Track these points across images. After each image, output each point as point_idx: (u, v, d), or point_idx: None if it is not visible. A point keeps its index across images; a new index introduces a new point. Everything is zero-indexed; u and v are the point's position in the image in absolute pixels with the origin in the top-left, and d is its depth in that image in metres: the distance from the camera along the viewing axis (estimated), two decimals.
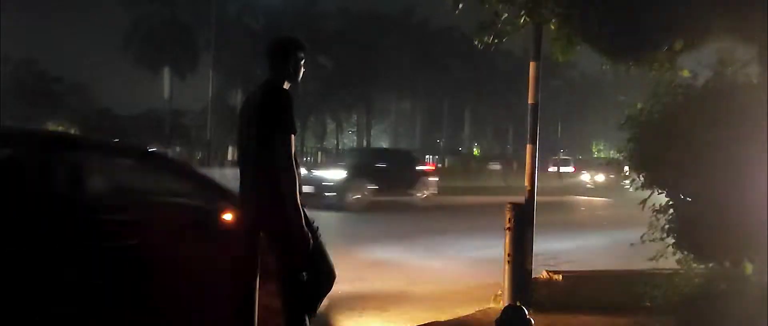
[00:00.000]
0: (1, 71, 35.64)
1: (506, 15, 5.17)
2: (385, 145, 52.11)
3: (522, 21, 5.14)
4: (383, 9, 46.68)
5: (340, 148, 49.54)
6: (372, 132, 51.69)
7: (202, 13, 35.83)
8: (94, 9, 44.89)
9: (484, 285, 6.86)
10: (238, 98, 38.16)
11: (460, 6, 5.16)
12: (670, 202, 4.68)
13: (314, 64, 36.70)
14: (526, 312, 4.75)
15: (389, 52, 44.26)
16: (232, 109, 33.24)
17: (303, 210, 3.74)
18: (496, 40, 5.26)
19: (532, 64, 5.61)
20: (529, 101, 5.66)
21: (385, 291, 7.08)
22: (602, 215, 18.56)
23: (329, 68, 41.51)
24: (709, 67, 4.56)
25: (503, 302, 5.71)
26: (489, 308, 5.96)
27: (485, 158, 46.86)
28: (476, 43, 5.34)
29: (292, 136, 3.70)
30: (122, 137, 25.98)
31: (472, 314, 5.86)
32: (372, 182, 16.60)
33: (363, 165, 17.70)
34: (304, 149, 41.35)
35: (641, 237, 4.81)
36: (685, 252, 4.72)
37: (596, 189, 30.38)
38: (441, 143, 53.90)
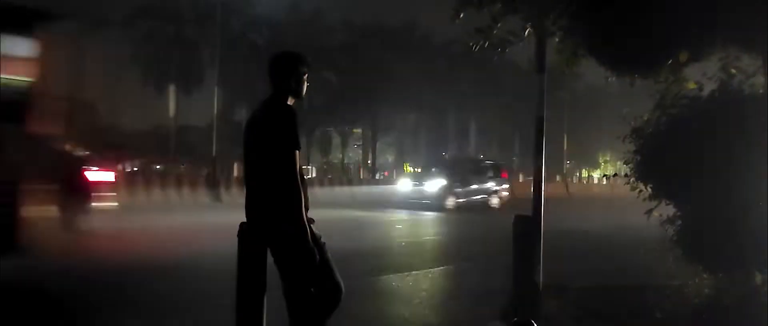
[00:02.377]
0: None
1: (500, 24, 5.15)
2: (391, 159, 52.19)
3: (526, 33, 5.14)
4: (387, 23, 46.90)
5: (345, 162, 49.61)
6: (378, 146, 51.73)
7: (207, 30, 36.07)
8: (99, 26, 45.21)
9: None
10: (243, 114, 38.31)
11: (461, 15, 5.15)
12: (678, 213, 4.66)
13: (319, 79, 36.81)
14: None
15: (394, 65, 44.39)
16: (237, 125, 33.32)
17: (309, 225, 3.73)
18: (498, 49, 5.23)
19: (537, 77, 5.62)
20: (535, 114, 5.66)
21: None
22: None
23: (334, 83, 41.62)
24: (714, 78, 4.56)
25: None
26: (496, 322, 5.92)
27: None
28: (471, 45, 5.30)
29: (297, 152, 3.70)
30: (128, 154, 26.01)
31: None
32: None
33: None
34: (310, 164, 41.40)
35: (649, 249, 4.81)
36: (695, 263, 4.70)
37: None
38: (446, 156, 53.91)
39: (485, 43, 5.12)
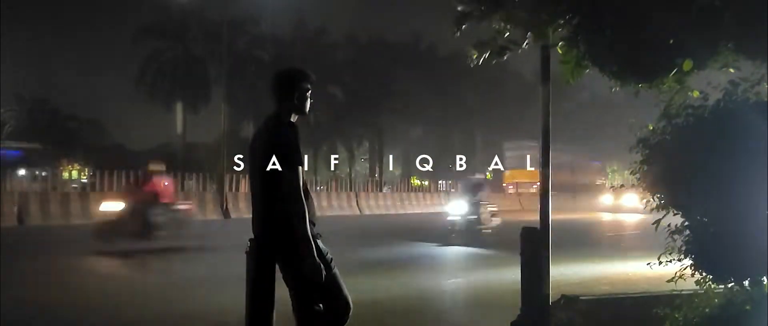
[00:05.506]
0: None
1: (508, 34, 5.15)
2: (398, 173, 52.22)
3: (525, 43, 5.13)
4: (392, 37, 47.08)
5: (352, 176, 49.60)
6: (384, 159, 51.75)
7: (213, 47, 36.29)
8: (106, 46, 45.67)
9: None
10: (250, 130, 38.42)
11: (463, 27, 5.15)
12: (686, 223, 4.64)
13: (325, 94, 36.93)
14: None
15: (399, 79, 44.51)
16: (245, 141, 33.46)
17: (315, 241, 3.74)
18: (497, 58, 5.22)
19: (541, 88, 5.64)
20: (541, 125, 5.66)
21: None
22: None
23: (340, 97, 41.75)
24: (718, 87, 4.55)
25: None
26: None
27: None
28: (472, 57, 5.28)
29: (300, 168, 3.71)
30: (136, 172, 26.09)
31: None
32: None
33: None
34: (318, 179, 41.45)
35: (658, 258, 4.79)
36: (704, 273, 4.66)
37: None
38: (452, 168, 53.81)
39: (487, 54, 5.12)
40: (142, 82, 40.96)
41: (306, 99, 3.98)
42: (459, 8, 5.03)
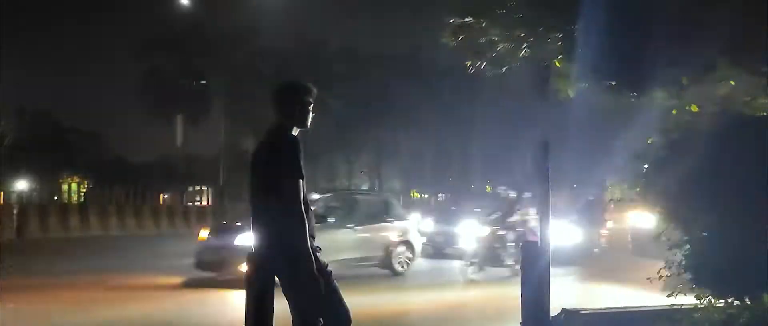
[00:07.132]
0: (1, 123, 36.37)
1: (502, 46, 5.18)
2: (398, 185, 52.15)
3: (522, 53, 5.16)
4: (391, 49, 47.16)
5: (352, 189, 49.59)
6: (383, 172, 51.66)
7: (214, 60, 36.35)
8: (107, 59, 45.83)
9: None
10: (250, 143, 38.42)
11: (459, 38, 5.18)
12: (686, 237, 4.64)
13: (324, 107, 36.95)
14: None
15: (398, 91, 44.52)
16: (244, 154, 33.42)
17: (315, 255, 3.73)
18: (496, 68, 5.25)
19: (540, 102, 5.66)
20: (540, 138, 5.67)
21: None
22: None
23: (339, 110, 41.78)
24: (715, 101, 4.57)
25: None
26: None
27: None
28: (468, 65, 5.30)
29: (300, 181, 3.70)
30: (135, 184, 26.08)
31: None
32: None
33: None
34: (317, 192, 41.49)
35: (658, 272, 4.79)
36: (704, 288, 4.66)
37: None
38: (452, 180, 53.74)
39: (482, 63, 5.15)
40: (142, 94, 40.98)
41: (308, 112, 3.97)
42: (451, 20, 5.06)
